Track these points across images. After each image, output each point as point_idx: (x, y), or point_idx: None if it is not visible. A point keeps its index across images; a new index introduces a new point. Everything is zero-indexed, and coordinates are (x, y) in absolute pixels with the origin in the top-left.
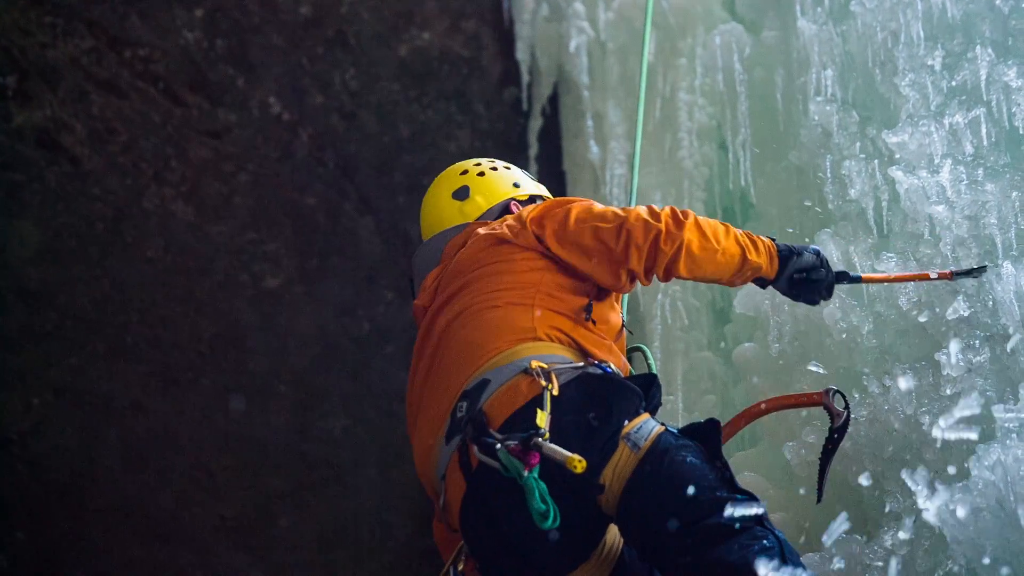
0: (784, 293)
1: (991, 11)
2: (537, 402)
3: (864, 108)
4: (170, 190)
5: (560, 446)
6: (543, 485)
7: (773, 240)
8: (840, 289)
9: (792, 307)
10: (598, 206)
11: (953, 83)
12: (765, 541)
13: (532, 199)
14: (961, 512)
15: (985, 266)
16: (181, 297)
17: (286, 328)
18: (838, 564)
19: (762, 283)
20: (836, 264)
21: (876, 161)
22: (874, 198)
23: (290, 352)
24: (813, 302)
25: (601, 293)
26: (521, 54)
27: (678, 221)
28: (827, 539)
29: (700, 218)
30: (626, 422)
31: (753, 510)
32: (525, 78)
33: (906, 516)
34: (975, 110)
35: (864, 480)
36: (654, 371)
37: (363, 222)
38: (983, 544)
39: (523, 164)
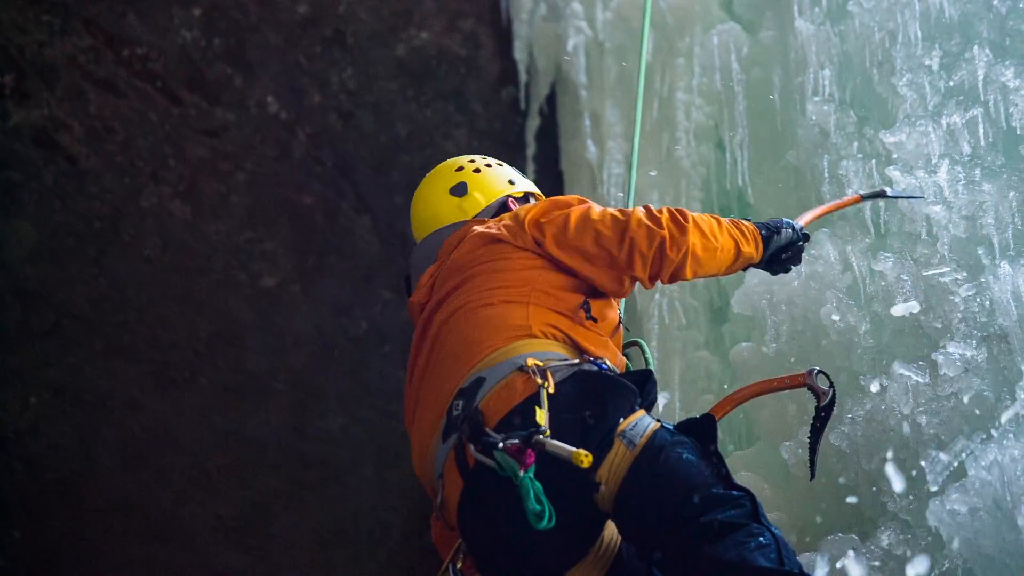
0: (763, 269)
1: (989, 11)
2: (533, 400)
3: (862, 108)
4: (168, 189)
5: None
6: (538, 485)
7: (751, 222)
8: (838, 290)
9: (789, 307)
10: (596, 209)
11: (950, 83)
12: (761, 538)
13: (526, 197)
14: (958, 512)
15: (884, 191)
16: (178, 296)
17: (283, 327)
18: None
19: (746, 268)
20: (834, 265)
21: (873, 161)
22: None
23: (287, 351)
24: (787, 271)
25: (597, 291)
26: (519, 54)
27: (680, 225)
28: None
29: (695, 216)
30: (622, 419)
31: (749, 507)
32: (523, 78)
33: (903, 514)
34: (972, 110)
35: (850, 500)
36: (651, 366)
37: (360, 221)
38: (980, 544)
39: (521, 163)
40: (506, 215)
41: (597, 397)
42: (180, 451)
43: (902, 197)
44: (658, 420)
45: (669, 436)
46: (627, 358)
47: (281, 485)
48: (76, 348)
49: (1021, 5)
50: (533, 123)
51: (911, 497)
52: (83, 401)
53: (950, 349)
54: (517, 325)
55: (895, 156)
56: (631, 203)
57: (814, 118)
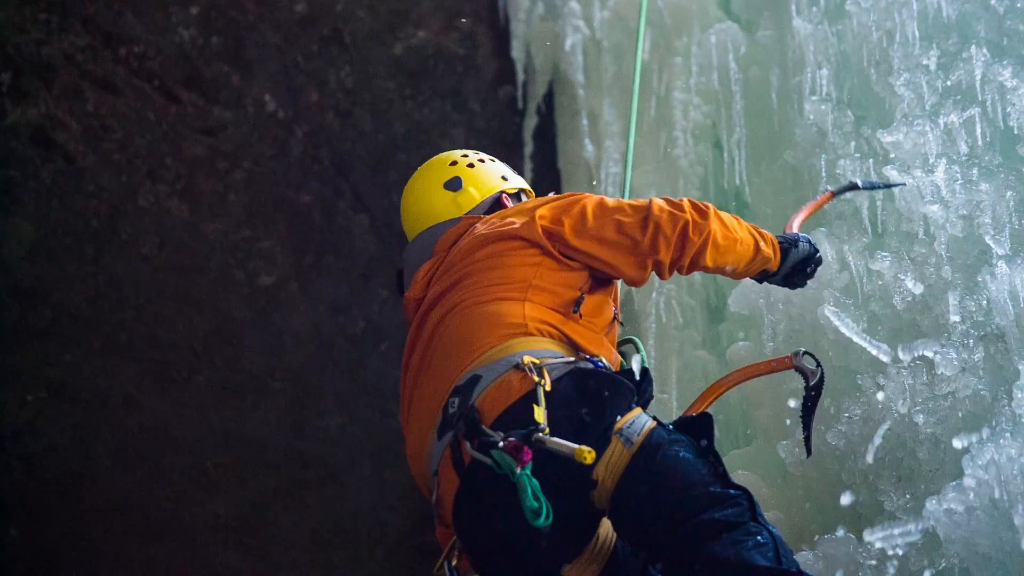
0: (778, 284)
1: (986, 11)
2: (530, 398)
3: (859, 107)
4: (165, 187)
5: None
6: (535, 482)
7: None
8: (835, 289)
9: (786, 306)
10: (609, 200)
11: (948, 83)
12: (759, 537)
13: (519, 193)
14: (955, 511)
15: (856, 183)
16: (176, 295)
17: (281, 326)
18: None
19: (762, 276)
20: (832, 264)
21: (871, 160)
22: (869, 197)
23: (285, 350)
24: (802, 286)
25: (594, 287)
26: (516, 52)
27: (701, 212)
28: None
29: (716, 208)
30: (619, 417)
31: (746, 506)
32: (520, 76)
33: (901, 514)
34: (970, 110)
35: (846, 499)
36: (646, 363)
37: (358, 220)
38: (977, 543)
39: (518, 162)
40: (511, 210)
41: (594, 394)
42: (178, 450)
43: (875, 188)
44: (655, 418)
45: (666, 434)
46: (622, 356)
47: (280, 484)
48: (74, 347)
49: (1019, 5)
50: (531, 122)
51: (908, 496)
52: (81, 400)
53: (948, 348)
54: (513, 323)
55: (892, 156)
56: None
57: (811, 117)
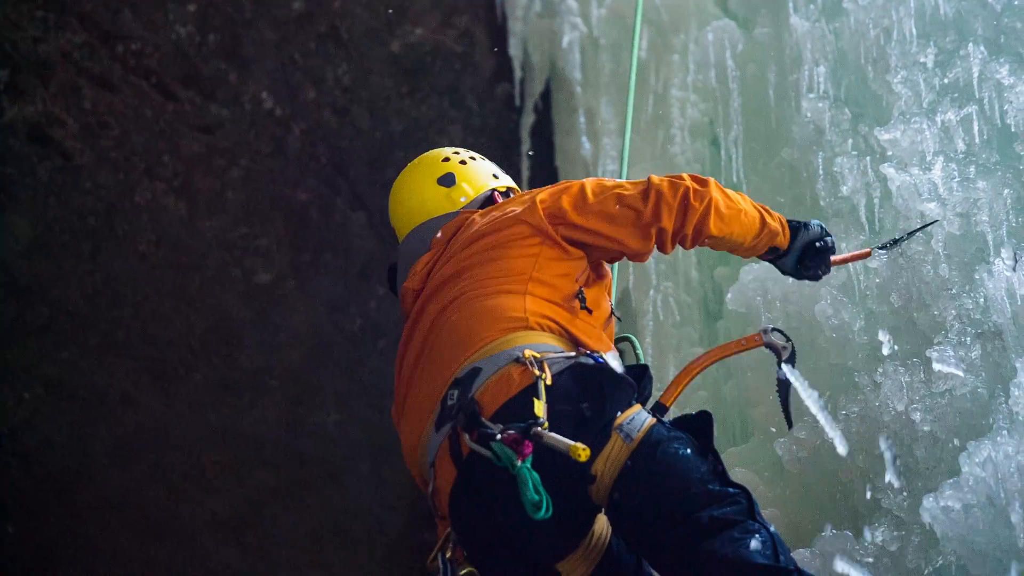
0: (790, 268)
1: (983, 8)
2: (530, 391)
3: (856, 105)
4: (162, 185)
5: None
6: (536, 475)
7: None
8: (832, 286)
9: (784, 304)
10: (606, 179)
11: (945, 80)
12: (757, 535)
13: (508, 192)
14: (952, 508)
15: (896, 239)
16: (173, 292)
17: (278, 323)
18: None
19: (774, 255)
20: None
21: (868, 158)
22: (866, 195)
23: (282, 347)
24: (816, 277)
25: (590, 280)
26: (514, 50)
27: (702, 181)
28: None
29: (717, 183)
30: (619, 413)
31: (745, 504)
32: (518, 74)
33: (897, 511)
34: (967, 107)
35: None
36: (642, 360)
37: (355, 217)
38: (973, 540)
39: (515, 160)
40: (509, 200)
41: (595, 390)
42: (175, 448)
43: (915, 232)
44: (655, 415)
45: (666, 431)
46: (619, 353)
47: (277, 482)
48: (71, 344)
49: (1016, 2)
50: (528, 119)
51: (905, 494)
52: (78, 397)
53: (944, 346)
54: (514, 317)
55: (890, 153)
56: None
57: (809, 115)
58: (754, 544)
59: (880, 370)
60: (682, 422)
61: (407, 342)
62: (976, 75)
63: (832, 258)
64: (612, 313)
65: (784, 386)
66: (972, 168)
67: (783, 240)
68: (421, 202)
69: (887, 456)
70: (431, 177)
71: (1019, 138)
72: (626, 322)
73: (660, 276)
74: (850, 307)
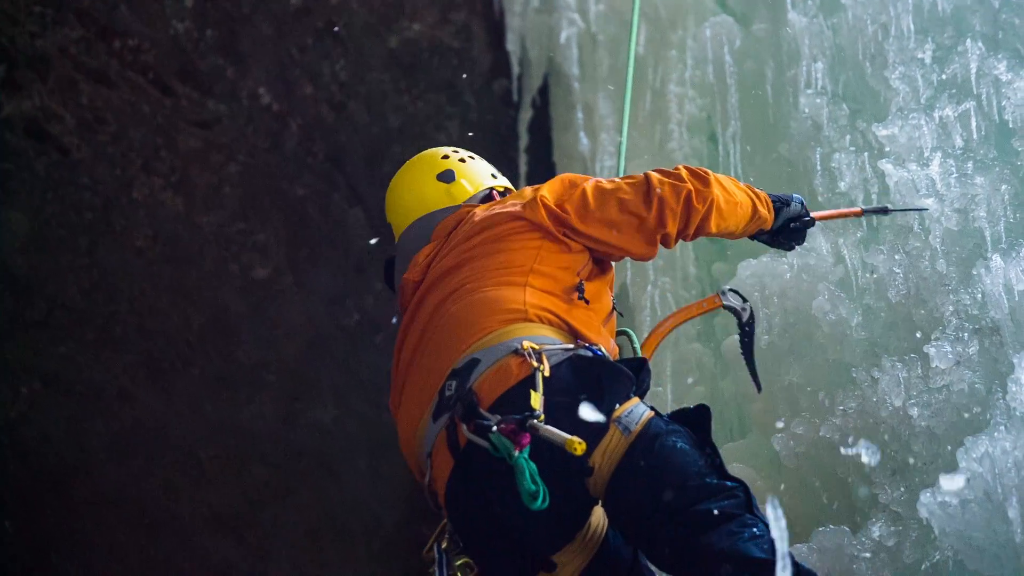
0: (767, 242)
1: (981, 5)
2: (528, 383)
3: (854, 101)
4: (159, 180)
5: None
6: (533, 465)
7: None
8: (830, 282)
9: (781, 300)
10: (604, 181)
11: (943, 76)
12: (755, 529)
13: (506, 192)
14: (949, 503)
15: (887, 207)
16: (170, 287)
17: (275, 318)
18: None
19: (757, 233)
20: (826, 258)
21: (866, 154)
22: (864, 191)
23: (279, 342)
24: (790, 248)
25: (592, 274)
26: (511, 45)
27: (702, 179)
28: None
29: (712, 172)
30: (617, 405)
31: (743, 498)
32: (515, 70)
33: (894, 506)
34: (965, 103)
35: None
36: (639, 355)
37: (352, 213)
38: (970, 536)
39: (513, 156)
40: (511, 195)
41: (593, 382)
42: (172, 442)
43: (905, 211)
44: (653, 408)
45: (664, 425)
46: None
47: (274, 476)
48: (67, 339)
49: None
50: (525, 115)
51: (902, 489)
52: (75, 392)
53: (941, 342)
54: (513, 308)
55: (887, 149)
56: None
57: (807, 111)
58: (751, 537)
59: (878, 366)
60: (680, 416)
61: (405, 333)
62: (974, 71)
63: (817, 214)
64: (614, 308)
65: (747, 349)
66: (970, 164)
67: (768, 222)
68: (420, 197)
69: (868, 459)
70: (430, 173)
71: (1017, 134)
72: (624, 317)
73: (658, 271)
74: (848, 303)
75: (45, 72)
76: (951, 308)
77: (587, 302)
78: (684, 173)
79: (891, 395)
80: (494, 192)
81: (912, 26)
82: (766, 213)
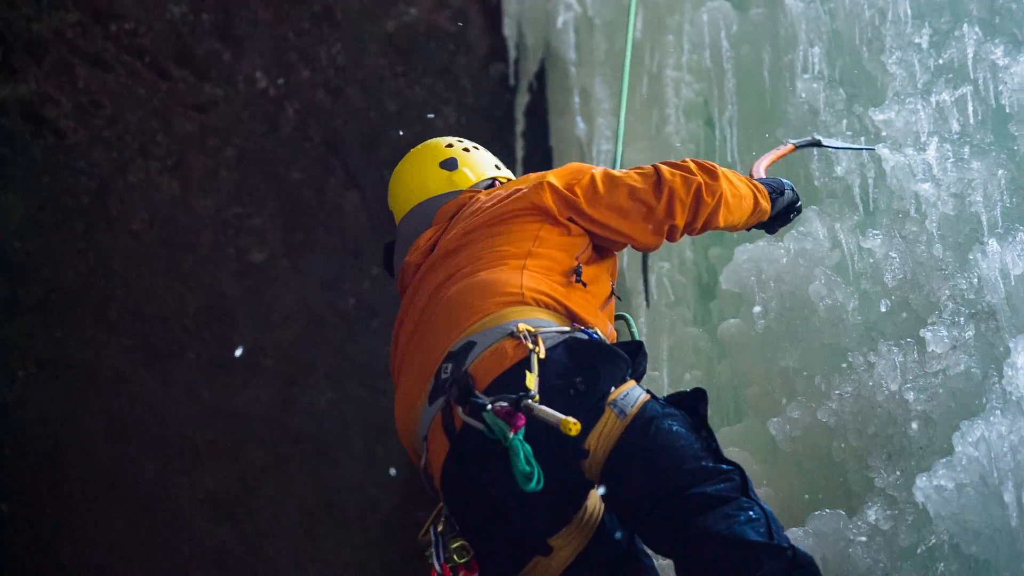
0: (764, 228)
1: None
2: (524, 365)
3: (851, 86)
4: (155, 164)
5: None
6: (528, 447)
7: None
8: (827, 267)
9: (778, 284)
10: (613, 170)
11: (940, 61)
12: (751, 512)
13: (508, 182)
14: (945, 487)
15: (818, 140)
16: (166, 270)
17: (271, 302)
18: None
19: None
20: (823, 243)
21: (863, 139)
22: (860, 175)
23: (275, 326)
24: (773, 231)
25: (592, 259)
26: (508, 30)
27: (710, 172)
28: None
29: (720, 167)
30: (613, 388)
31: (739, 481)
32: (512, 54)
33: (890, 490)
34: (962, 88)
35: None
36: (637, 339)
37: (349, 197)
38: (966, 520)
39: (510, 140)
40: (516, 180)
41: (589, 364)
42: (168, 425)
43: (839, 148)
44: (649, 391)
45: (660, 408)
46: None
47: (270, 460)
48: (64, 322)
49: None
50: (522, 100)
51: (898, 473)
52: (70, 375)
53: (937, 326)
54: (510, 292)
55: (884, 134)
56: None
57: (803, 95)
58: (747, 521)
59: (874, 350)
60: (676, 399)
61: (404, 315)
62: (971, 56)
63: (762, 164)
64: (612, 292)
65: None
66: (966, 149)
67: (768, 213)
68: (423, 182)
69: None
70: (434, 160)
71: (1013, 119)
72: (621, 302)
73: (655, 256)
74: (844, 287)
75: (41, 56)
76: (947, 292)
77: (584, 285)
78: (693, 166)
79: (887, 379)
80: (497, 182)
81: (909, 11)
82: (765, 205)
